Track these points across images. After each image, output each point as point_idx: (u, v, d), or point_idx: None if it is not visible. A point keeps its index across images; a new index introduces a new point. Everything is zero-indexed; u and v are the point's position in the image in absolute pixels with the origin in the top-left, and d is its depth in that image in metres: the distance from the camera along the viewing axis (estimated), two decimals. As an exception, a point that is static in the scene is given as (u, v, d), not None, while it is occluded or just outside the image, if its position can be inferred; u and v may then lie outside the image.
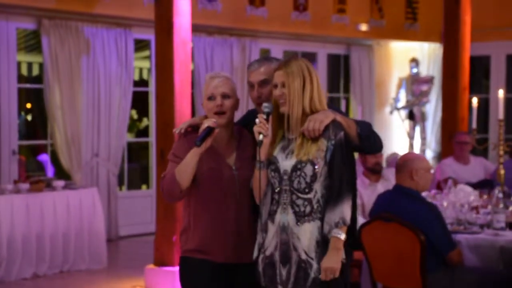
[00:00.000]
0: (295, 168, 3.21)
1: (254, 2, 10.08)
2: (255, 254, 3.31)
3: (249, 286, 3.40)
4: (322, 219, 3.19)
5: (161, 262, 6.70)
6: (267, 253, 3.26)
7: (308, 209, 3.20)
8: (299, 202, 3.21)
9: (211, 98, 3.41)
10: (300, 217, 3.20)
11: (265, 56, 3.85)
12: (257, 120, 3.24)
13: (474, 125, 6.40)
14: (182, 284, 3.50)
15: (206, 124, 3.28)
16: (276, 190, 3.25)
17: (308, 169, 3.19)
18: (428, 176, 4.89)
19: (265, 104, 3.29)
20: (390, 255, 4.77)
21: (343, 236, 3.14)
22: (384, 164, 7.43)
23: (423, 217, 4.75)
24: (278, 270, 3.23)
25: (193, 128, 3.45)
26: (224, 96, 3.40)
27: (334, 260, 3.14)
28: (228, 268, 3.41)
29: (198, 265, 3.41)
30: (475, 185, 6.50)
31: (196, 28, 8.87)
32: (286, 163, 3.23)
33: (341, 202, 3.15)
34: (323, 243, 3.17)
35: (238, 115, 3.57)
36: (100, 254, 7.72)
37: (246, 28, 10.13)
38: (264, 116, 3.24)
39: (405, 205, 4.80)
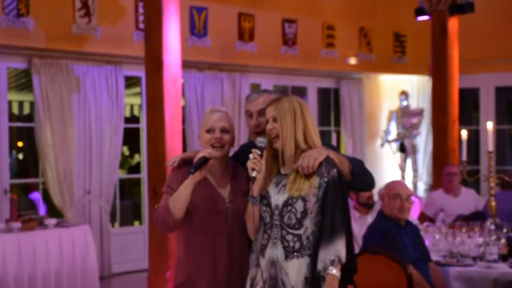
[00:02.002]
0: (286, 204, 3.22)
1: (244, 38, 10.17)
2: (247, 287, 3.30)
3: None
4: (311, 256, 3.18)
5: (154, 299, 6.66)
6: (258, 287, 3.26)
7: (297, 245, 3.20)
8: (289, 237, 3.21)
9: (210, 131, 3.45)
10: (289, 253, 3.20)
11: (264, 89, 3.91)
12: (251, 156, 3.27)
13: (464, 157, 6.44)
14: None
15: (201, 154, 3.31)
16: (267, 225, 3.26)
17: (299, 205, 3.20)
18: (392, 203, 4.97)
19: (259, 139, 3.31)
20: (377, 288, 4.77)
21: (338, 274, 3.14)
22: (376, 197, 7.44)
23: (368, 231, 4.91)
24: (267, 305, 3.23)
25: (186, 162, 3.46)
26: (223, 130, 3.45)
27: None
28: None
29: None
30: (467, 217, 6.52)
31: (186, 64, 8.93)
32: (277, 198, 3.25)
33: (335, 239, 3.15)
34: (311, 280, 3.17)
35: (230, 150, 3.60)
36: (93, 292, 7.67)
37: (236, 63, 10.20)
38: (259, 152, 3.27)
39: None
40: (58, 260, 7.39)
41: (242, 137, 10.17)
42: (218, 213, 3.39)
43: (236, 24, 10.10)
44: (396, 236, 4.93)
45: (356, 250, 5.56)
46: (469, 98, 12.16)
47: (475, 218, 6.39)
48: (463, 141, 6.42)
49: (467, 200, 7.61)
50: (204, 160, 3.29)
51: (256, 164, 3.23)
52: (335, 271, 3.13)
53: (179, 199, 3.31)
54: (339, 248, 3.14)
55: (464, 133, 6.50)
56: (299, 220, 3.20)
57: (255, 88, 10.83)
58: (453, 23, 9.15)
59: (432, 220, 6.91)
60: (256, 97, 3.57)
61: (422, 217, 7.26)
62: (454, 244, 5.40)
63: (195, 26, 9.64)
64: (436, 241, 5.54)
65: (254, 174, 3.23)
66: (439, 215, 5.98)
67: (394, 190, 5.01)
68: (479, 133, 11.93)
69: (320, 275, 3.15)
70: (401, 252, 4.85)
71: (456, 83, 9.07)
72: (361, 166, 3.45)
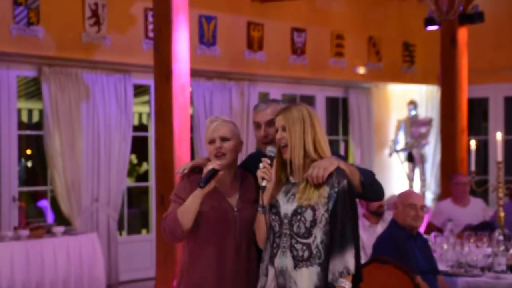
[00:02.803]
0: (295, 213, 3.21)
1: (252, 47, 10.18)
2: (257, 296, 3.30)
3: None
4: (321, 265, 3.17)
5: (161, 307, 6.65)
6: (267, 296, 3.25)
7: (306, 254, 3.19)
8: (298, 246, 3.20)
9: (211, 142, 3.44)
10: (298, 262, 3.19)
11: (272, 98, 3.91)
12: (260, 165, 3.26)
13: (473, 167, 6.42)
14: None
15: (210, 166, 3.31)
16: (277, 234, 3.25)
17: (308, 214, 3.19)
18: (407, 211, 4.99)
19: (269, 148, 3.31)
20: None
21: (348, 286, 3.14)
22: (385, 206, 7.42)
23: (379, 240, 4.90)
24: (276, 315, 3.22)
25: (196, 170, 3.46)
26: (223, 139, 3.43)
27: None
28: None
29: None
30: (475, 228, 6.50)
31: (195, 73, 8.94)
32: (287, 207, 3.24)
33: (344, 250, 3.14)
34: (321, 290, 3.16)
35: (238, 158, 3.59)
36: (100, 300, 7.67)
37: (245, 72, 10.22)
38: (268, 161, 3.26)
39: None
40: (65, 268, 7.40)
41: (250, 146, 10.17)
42: (226, 221, 3.39)
43: (245, 33, 10.12)
44: (407, 246, 4.92)
45: (365, 259, 5.56)
46: (478, 108, 12.14)
47: (484, 228, 6.36)
48: (471, 151, 6.40)
49: (476, 210, 7.58)
50: (214, 172, 3.29)
51: (266, 173, 3.23)
52: (345, 283, 3.13)
53: (188, 210, 3.31)
54: (347, 259, 3.13)
55: (472, 143, 6.48)
56: (308, 229, 3.19)
57: (264, 97, 10.84)
58: (463, 33, 9.14)
59: (439, 230, 6.88)
60: (264, 107, 3.56)
61: (430, 227, 7.24)
62: (462, 254, 5.38)
63: (204, 35, 9.67)
64: (444, 251, 5.52)
65: (264, 183, 3.23)
66: (447, 225, 5.96)
67: (409, 199, 5.03)
68: (488, 143, 11.90)
69: (330, 286, 3.15)
70: (411, 262, 4.84)
71: (465, 92, 9.06)
72: (371, 177, 3.45)
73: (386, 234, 5.09)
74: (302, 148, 3.23)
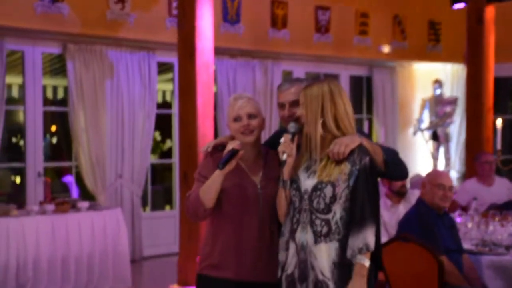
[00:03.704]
0: (315, 188, 3.22)
1: (276, 25, 10.14)
2: (279, 273, 3.31)
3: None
4: (340, 241, 3.18)
5: (184, 282, 6.70)
6: (289, 271, 3.27)
7: (325, 229, 3.20)
8: (318, 222, 3.21)
9: (237, 119, 3.43)
10: (318, 237, 3.20)
11: (296, 77, 3.89)
12: (281, 140, 3.27)
13: (498, 146, 6.37)
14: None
15: (230, 146, 3.30)
16: (297, 209, 3.26)
17: (328, 190, 3.19)
18: (435, 191, 4.98)
19: (291, 124, 3.32)
20: (408, 276, 4.77)
21: (367, 263, 3.14)
22: (408, 185, 7.40)
23: (405, 218, 4.90)
24: (297, 288, 3.23)
25: (220, 147, 3.47)
26: (250, 116, 3.43)
27: (359, 286, 3.13)
28: (247, 286, 3.40)
29: (216, 283, 3.41)
30: (500, 207, 6.46)
31: (219, 51, 8.93)
32: (307, 183, 3.25)
33: (364, 227, 3.14)
34: (340, 265, 3.17)
35: (262, 136, 3.59)
36: (124, 274, 7.74)
37: (268, 51, 10.18)
38: (290, 136, 3.27)
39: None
40: (90, 243, 7.48)
41: (274, 124, 10.17)
42: (250, 199, 3.39)
43: (269, 11, 10.07)
44: (433, 224, 4.92)
45: (387, 238, 5.56)
46: (505, 87, 12.01)
47: (509, 208, 6.33)
48: (497, 130, 6.36)
49: (501, 189, 7.53)
50: (234, 153, 3.29)
51: (286, 147, 3.24)
52: (363, 260, 3.13)
53: (209, 190, 3.32)
54: (367, 236, 3.13)
55: (498, 122, 6.43)
56: (328, 205, 3.20)
57: (287, 75, 10.81)
58: (490, 11, 9.02)
59: (463, 209, 6.85)
60: (288, 87, 3.55)
61: (454, 205, 7.20)
62: (486, 233, 5.37)
63: (228, 13, 9.64)
64: (468, 230, 5.50)
65: (284, 157, 3.24)
66: (472, 204, 5.93)
67: (438, 180, 5.02)
68: (514, 123, 11.80)
69: (347, 261, 3.15)
70: (437, 241, 4.83)
71: (491, 71, 8.96)
72: (395, 156, 3.44)
73: (413, 212, 5.08)
74: (318, 124, 3.22)
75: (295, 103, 3.46)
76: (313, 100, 3.24)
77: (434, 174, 5.19)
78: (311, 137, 3.26)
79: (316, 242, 3.20)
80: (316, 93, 3.24)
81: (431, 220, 4.95)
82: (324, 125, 3.24)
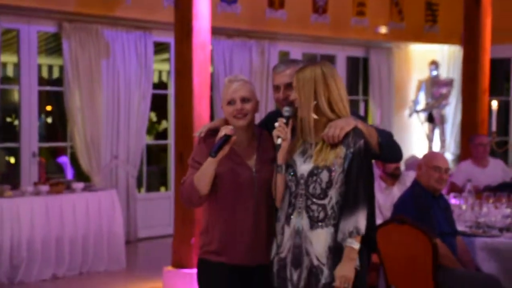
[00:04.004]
0: (311, 173, 3.21)
1: (273, 5, 10.09)
2: (272, 255, 3.31)
3: (267, 288, 3.39)
4: (336, 226, 3.18)
5: (179, 264, 6.72)
6: (282, 255, 3.27)
7: (321, 215, 3.19)
8: (314, 207, 3.20)
9: (230, 102, 3.41)
10: (314, 222, 3.19)
11: (291, 59, 3.85)
12: (276, 124, 3.25)
13: (494, 127, 6.36)
14: (200, 286, 3.51)
15: (223, 132, 3.27)
16: (293, 194, 3.25)
17: (324, 175, 3.18)
18: (431, 173, 4.98)
19: (285, 108, 3.30)
20: (403, 258, 4.78)
21: (357, 246, 3.13)
22: (402, 166, 7.41)
23: (401, 200, 4.91)
24: (289, 273, 3.23)
25: (213, 132, 3.45)
26: (244, 99, 3.40)
27: (347, 269, 3.13)
28: (245, 270, 3.41)
29: (215, 267, 3.41)
30: (494, 188, 6.46)
31: (216, 31, 8.88)
32: (303, 168, 3.23)
33: (356, 211, 3.13)
34: (335, 250, 3.16)
35: (257, 118, 3.57)
36: (119, 255, 7.76)
37: (265, 31, 10.14)
38: (284, 120, 3.25)
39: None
40: (85, 224, 7.48)
41: (269, 105, 10.15)
42: (245, 182, 3.38)
43: (267, -9, 10.02)
44: (428, 207, 4.92)
45: (381, 220, 5.56)
46: (501, 68, 11.98)
47: (503, 189, 6.33)
48: (493, 112, 6.34)
49: (495, 171, 7.54)
50: (226, 138, 3.26)
51: (281, 131, 3.22)
52: (353, 243, 3.12)
53: (203, 177, 3.31)
54: (359, 220, 3.13)
55: (494, 104, 6.42)
56: (324, 190, 3.19)
57: (284, 56, 10.77)
58: (487, -8, 8.98)
59: (458, 190, 6.86)
60: (283, 69, 3.51)
61: (452, 187, 7.21)
62: (480, 215, 5.37)
63: (225, -7, 9.59)
64: (462, 212, 5.51)
65: (279, 141, 3.22)
66: (466, 186, 5.93)
67: (434, 162, 5.01)
68: (510, 104, 11.78)
69: (340, 245, 3.15)
70: (432, 223, 4.84)
71: (487, 53, 8.93)
72: (389, 138, 3.43)
73: (408, 194, 5.08)
74: (311, 108, 3.20)
75: (290, 86, 3.43)
76: (306, 83, 3.21)
77: (430, 156, 5.19)
78: (305, 120, 3.24)
79: (312, 227, 3.19)
80: (308, 76, 3.22)
81: (426, 202, 4.95)
82: (317, 108, 3.21)
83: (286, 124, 3.25)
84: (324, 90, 3.21)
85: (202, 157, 3.37)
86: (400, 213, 4.94)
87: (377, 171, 6.21)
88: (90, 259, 7.55)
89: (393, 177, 6.27)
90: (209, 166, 3.30)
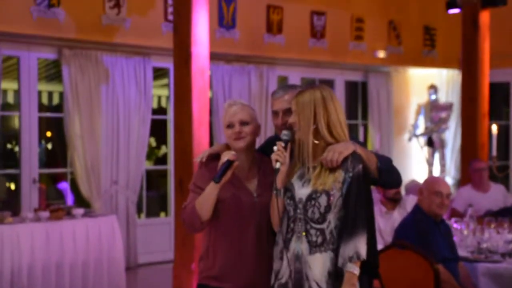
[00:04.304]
0: (310, 198, 3.20)
1: (272, 30, 10.14)
2: (272, 281, 3.29)
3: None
4: (335, 251, 3.16)
5: (179, 290, 6.68)
6: (283, 280, 3.24)
7: (320, 239, 3.18)
8: (312, 231, 3.19)
9: (229, 125, 3.42)
10: (313, 247, 3.18)
11: (290, 84, 3.85)
12: (275, 148, 3.25)
13: (494, 152, 6.36)
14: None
15: (225, 157, 3.28)
16: (291, 218, 3.24)
17: (323, 200, 3.17)
18: (432, 198, 4.96)
19: (284, 132, 3.30)
20: (404, 283, 4.75)
21: (357, 271, 3.12)
22: (402, 191, 7.39)
23: (402, 225, 4.89)
24: (291, 299, 3.21)
25: (214, 157, 3.45)
26: (242, 123, 3.41)
27: None
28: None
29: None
30: (496, 213, 6.45)
31: (214, 56, 8.93)
32: (301, 192, 3.22)
33: (355, 236, 3.12)
34: (335, 275, 3.14)
35: (257, 143, 3.57)
36: (119, 282, 7.71)
37: (264, 56, 10.18)
38: (283, 144, 3.25)
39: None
40: (85, 250, 7.45)
41: (268, 130, 10.16)
42: (246, 207, 3.37)
43: (265, 16, 10.07)
44: (430, 232, 4.90)
45: (382, 245, 5.54)
46: (500, 92, 12.02)
47: (504, 214, 6.32)
48: (493, 136, 6.35)
49: (496, 196, 7.53)
50: (229, 164, 3.26)
51: (279, 155, 3.22)
52: (353, 269, 3.10)
53: (206, 202, 3.30)
54: (358, 245, 3.11)
55: (494, 128, 6.42)
56: (323, 214, 3.17)
57: (283, 81, 10.81)
58: (485, 16, 9.03)
59: (459, 216, 6.85)
60: (282, 94, 3.51)
61: (453, 213, 7.20)
62: (482, 240, 5.35)
63: (224, 18, 9.64)
64: (464, 237, 5.49)
65: (278, 165, 3.22)
66: (468, 211, 5.91)
67: (436, 187, 4.99)
68: (510, 129, 11.80)
69: (340, 270, 3.13)
70: (433, 248, 4.81)
71: (486, 77, 8.96)
72: (389, 164, 3.42)
73: (409, 219, 5.06)
74: (310, 131, 3.19)
75: (288, 111, 3.43)
76: (305, 107, 3.21)
77: (432, 181, 5.17)
78: (304, 144, 3.23)
79: (311, 252, 3.18)
80: (308, 99, 3.22)
81: (427, 227, 4.93)
82: (317, 132, 3.21)
83: (285, 148, 3.25)
84: (323, 113, 3.21)
85: (203, 182, 3.37)
86: (401, 238, 4.93)
87: (377, 196, 6.20)
88: (91, 285, 7.50)
89: (394, 201, 6.27)
90: (212, 192, 3.29)
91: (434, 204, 4.97)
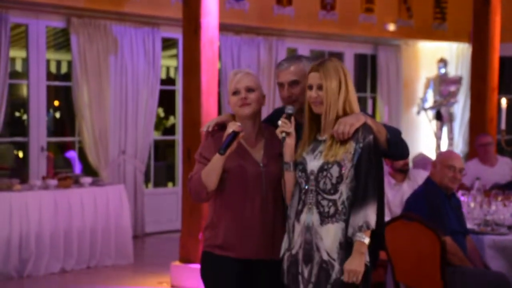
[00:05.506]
0: (321, 169, 3.21)
1: (281, 2, 10.08)
2: (282, 251, 3.31)
3: (271, 283, 3.39)
4: (346, 221, 3.17)
5: (186, 259, 6.73)
6: (293, 251, 3.26)
7: (332, 210, 3.19)
8: (324, 202, 3.20)
9: (235, 93, 3.42)
10: (325, 218, 3.19)
11: (294, 55, 3.82)
12: (279, 122, 3.25)
13: (503, 126, 6.35)
14: (203, 279, 3.50)
15: (231, 129, 3.27)
16: (303, 191, 3.25)
17: (335, 171, 3.18)
18: (445, 172, 4.96)
19: (288, 106, 3.31)
20: (411, 255, 4.77)
21: (367, 240, 3.14)
22: (410, 164, 7.39)
23: (413, 196, 4.90)
24: (301, 269, 3.23)
25: (220, 127, 3.45)
26: (248, 89, 3.40)
27: (357, 263, 3.13)
28: (250, 264, 3.40)
29: (220, 261, 3.41)
30: (503, 186, 6.45)
31: (224, 27, 8.89)
32: (313, 164, 3.23)
33: (365, 205, 3.13)
34: (346, 245, 3.16)
35: (264, 114, 3.57)
36: (126, 250, 7.77)
37: (273, 28, 10.14)
38: (287, 117, 3.26)
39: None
40: (92, 218, 7.50)
41: (277, 101, 10.14)
42: (252, 177, 3.37)
43: (274, -13, 10.02)
44: (440, 205, 4.91)
45: (390, 217, 5.56)
46: (510, 67, 11.95)
47: (511, 188, 6.31)
48: (502, 110, 6.33)
49: (504, 169, 7.53)
50: (234, 135, 3.26)
51: (286, 128, 3.23)
52: (363, 238, 3.12)
53: (211, 173, 3.31)
54: (368, 214, 3.12)
55: (503, 102, 6.40)
56: (334, 185, 3.19)
57: (292, 53, 10.77)
58: (496, -11, 8.96)
59: (467, 189, 6.85)
60: (287, 66, 3.48)
61: (460, 186, 7.20)
62: (489, 213, 5.36)
63: (233, -11, 9.59)
64: (471, 210, 5.50)
65: (283, 134, 3.22)
66: (475, 184, 5.92)
67: (450, 161, 4.99)
68: (518, 103, 11.73)
69: (351, 240, 3.15)
70: (443, 221, 4.82)
71: (496, 51, 8.90)
72: (398, 135, 3.42)
73: (421, 191, 5.06)
74: (336, 105, 3.21)
75: (294, 83, 3.42)
76: (333, 81, 3.20)
77: (446, 155, 5.15)
78: (327, 117, 3.22)
79: (322, 223, 3.19)
80: (333, 72, 3.21)
81: (438, 200, 4.94)
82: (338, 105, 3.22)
83: (289, 121, 3.25)
84: (345, 86, 3.22)
85: (209, 152, 3.37)
86: (411, 209, 4.93)
87: (386, 168, 6.21)
88: (98, 253, 7.57)
89: (402, 172, 6.27)
90: (217, 163, 3.30)
91: (446, 177, 4.96)
